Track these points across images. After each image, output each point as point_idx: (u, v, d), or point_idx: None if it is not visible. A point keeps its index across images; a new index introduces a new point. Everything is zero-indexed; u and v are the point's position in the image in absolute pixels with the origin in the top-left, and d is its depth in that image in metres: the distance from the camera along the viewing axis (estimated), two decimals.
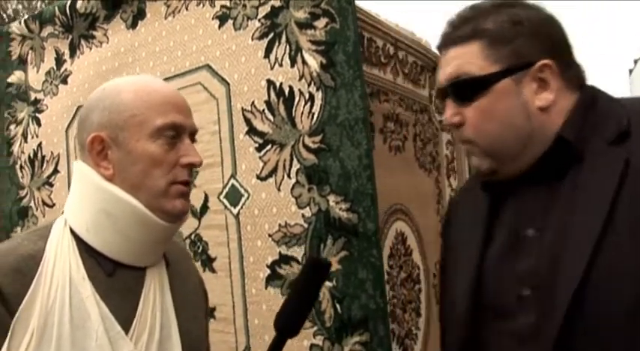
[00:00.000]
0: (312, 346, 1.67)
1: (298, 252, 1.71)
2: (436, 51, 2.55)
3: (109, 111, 1.15)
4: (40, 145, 2.38)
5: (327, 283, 1.65)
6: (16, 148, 2.46)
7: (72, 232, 1.16)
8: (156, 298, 1.19)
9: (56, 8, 2.33)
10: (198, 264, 1.88)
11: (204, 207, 1.90)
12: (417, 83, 2.37)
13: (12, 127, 2.49)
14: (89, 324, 1.09)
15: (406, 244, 2.17)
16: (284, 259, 1.73)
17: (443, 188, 2.52)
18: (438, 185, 2.49)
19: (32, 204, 2.38)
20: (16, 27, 2.50)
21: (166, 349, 1.18)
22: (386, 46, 2.11)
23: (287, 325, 1.16)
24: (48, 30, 2.38)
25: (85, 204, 1.17)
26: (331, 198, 1.65)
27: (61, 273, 1.10)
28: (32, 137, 2.41)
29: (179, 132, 1.17)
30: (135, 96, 1.16)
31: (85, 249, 1.15)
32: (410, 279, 2.15)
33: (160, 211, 1.16)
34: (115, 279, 1.15)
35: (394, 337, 1.99)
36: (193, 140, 1.22)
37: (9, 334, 1.04)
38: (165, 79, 1.98)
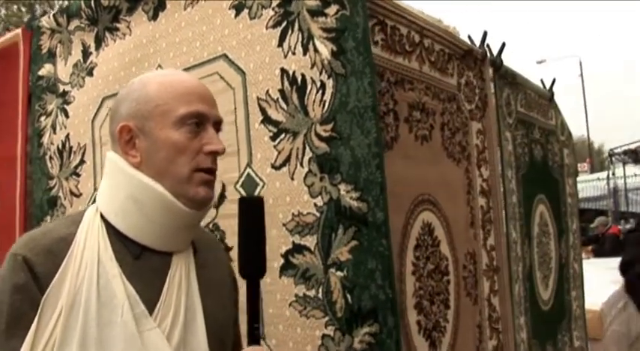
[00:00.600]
0: (323, 336, 1.66)
1: (311, 241, 1.70)
2: (465, 39, 2.52)
3: (136, 102, 1.23)
4: (67, 136, 2.43)
5: (338, 273, 1.64)
6: (45, 140, 2.53)
7: (102, 217, 1.23)
8: (181, 282, 1.25)
9: (82, 2, 2.37)
10: None
11: (222, 196, 1.90)
12: (445, 72, 2.33)
13: (42, 119, 2.55)
14: (115, 302, 1.15)
15: (433, 235, 2.14)
16: (297, 249, 1.73)
17: (473, 178, 2.47)
18: (467, 175, 2.44)
19: (61, 194, 2.44)
20: (45, 21, 2.56)
21: (190, 331, 1.23)
22: (411, 34, 2.08)
23: (250, 268, 1.21)
24: (75, 23, 2.43)
25: (114, 190, 1.25)
26: (342, 187, 1.64)
27: (90, 254, 1.17)
28: (60, 128, 2.47)
29: (202, 121, 1.23)
30: (160, 87, 1.23)
31: (113, 233, 1.22)
32: (438, 270, 2.12)
33: (184, 198, 1.21)
34: (141, 262, 1.22)
35: (420, 329, 1.97)
36: (218, 129, 1.28)
37: (39, 309, 1.12)
38: (185, 70, 2.00)
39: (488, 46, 2.71)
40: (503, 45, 2.86)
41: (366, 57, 1.60)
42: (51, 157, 2.51)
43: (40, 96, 2.56)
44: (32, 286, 1.13)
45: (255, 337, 1.20)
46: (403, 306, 1.89)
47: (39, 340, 1.11)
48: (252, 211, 1.22)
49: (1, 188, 2.76)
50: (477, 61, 2.57)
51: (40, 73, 2.57)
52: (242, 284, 1.27)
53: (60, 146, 2.46)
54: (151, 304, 1.18)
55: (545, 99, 3.52)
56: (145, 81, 1.26)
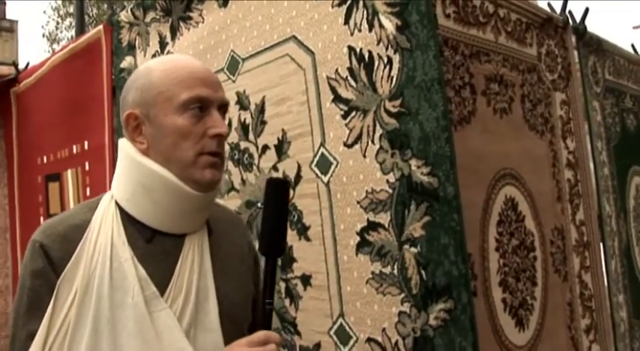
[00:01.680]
0: (400, 313, 1.66)
1: (385, 218, 1.69)
2: (543, 6, 2.43)
3: (141, 90, 1.27)
4: None
5: (412, 249, 1.63)
6: None
7: (116, 203, 1.28)
8: (194, 262, 1.28)
9: None
10: (294, 233, 1.92)
11: (298, 176, 1.92)
12: (523, 42, 2.25)
13: None
14: (127, 284, 1.20)
15: (517, 209, 2.08)
16: (372, 226, 1.72)
17: (558, 151, 2.38)
18: (552, 148, 2.35)
19: None
20: (123, 15, 2.65)
21: (203, 310, 1.26)
22: (484, 4, 2.02)
23: (270, 247, 1.24)
24: (150, 15, 2.50)
25: (125, 177, 1.30)
26: (413, 162, 1.62)
27: (104, 239, 1.23)
28: None
29: (206, 105, 1.26)
30: (162, 74, 1.26)
31: (127, 218, 1.27)
32: (523, 246, 2.07)
33: (191, 181, 1.25)
34: (153, 245, 1.26)
35: (506, 307, 1.93)
36: (224, 112, 1.30)
37: (55, 292, 1.18)
38: (256, 53, 2.04)
39: (570, 12, 2.60)
40: (587, 11, 2.73)
41: (430, 29, 1.57)
42: None
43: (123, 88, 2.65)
44: (49, 271, 1.19)
45: (266, 312, 1.22)
46: (487, 283, 1.86)
47: (55, 321, 1.17)
48: (277, 192, 1.24)
49: (93, 177, 2.90)
50: (557, 29, 2.47)
51: (122, 65, 2.67)
52: None
53: None
54: (162, 285, 1.22)
55: (637, 65, 3.34)
56: (149, 68, 1.29)
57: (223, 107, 1.30)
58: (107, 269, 1.20)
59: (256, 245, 1.35)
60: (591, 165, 2.58)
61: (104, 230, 1.23)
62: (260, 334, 1.19)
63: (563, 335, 2.20)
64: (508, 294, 1.94)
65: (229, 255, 1.38)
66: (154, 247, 1.25)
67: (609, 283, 2.55)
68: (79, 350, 1.16)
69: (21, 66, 3.66)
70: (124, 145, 1.30)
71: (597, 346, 2.36)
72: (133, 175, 1.27)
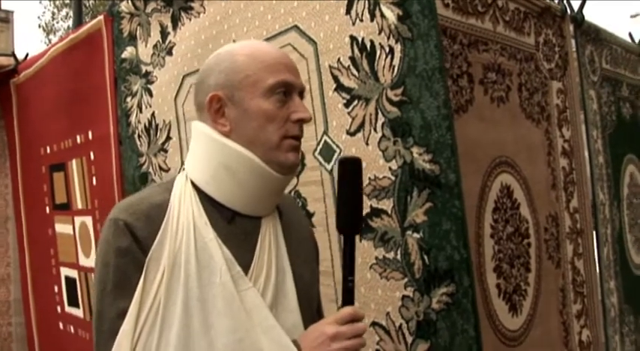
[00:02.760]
0: (403, 297, 1.70)
1: (388, 204, 1.73)
2: None
3: (225, 73, 1.28)
4: (153, 114, 2.55)
5: (415, 235, 1.66)
6: (133, 119, 2.65)
7: (193, 185, 1.29)
8: (271, 244, 1.31)
9: None
10: None
11: (302, 164, 1.95)
12: (521, 31, 2.28)
13: (128, 99, 2.68)
14: (213, 264, 1.22)
15: (512, 197, 2.11)
16: (375, 212, 1.76)
17: (554, 139, 2.42)
18: (548, 136, 2.39)
19: (150, 170, 2.56)
20: (124, 6, 2.67)
21: (282, 291, 1.29)
22: None
23: (348, 224, 1.25)
24: (151, 6, 2.53)
25: (205, 159, 1.30)
26: (415, 150, 1.65)
27: (185, 219, 1.24)
28: (146, 107, 2.59)
29: (289, 90, 1.28)
30: (248, 58, 1.27)
31: (206, 199, 1.28)
32: (518, 233, 2.10)
33: (275, 164, 1.27)
34: (233, 226, 1.28)
35: (500, 292, 1.97)
36: (302, 98, 1.32)
37: (144, 270, 1.19)
38: None
39: (568, 1, 2.63)
40: (584, 0, 2.76)
41: (431, 19, 1.60)
42: (139, 136, 2.63)
43: (125, 78, 2.69)
44: (135, 249, 1.19)
45: (349, 290, 1.23)
46: (482, 269, 1.89)
47: (145, 299, 1.17)
48: (352, 170, 1.25)
49: (99, 166, 2.93)
50: (555, 18, 2.50)
51: (123, 55, 2.70)
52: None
53: (147, 124, 2.58)
54: (244, 266, 1.24)
55: (635, 54, 3.37)
56: (233, 52, 1.29)
57: (302, 93, 1.32)
58: (192, 249, 1.21)
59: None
60: (586, 153, 2.61)
61: (184, 210, 1.24)
62: (347, 311, 1.20)
63: (555, 320, 2.25)
64: (502, 280, 1.98)
65: (298, 237, 1.40)
66: (234, 229, 1.27)
67: (601, 270, 2.60)
68: (172, 328, 1.17)
69: (19, 56, 3.66)
70: (202, 127, 1.30)
71: (587, 331, 2.41)
72: (215, 156, 1.27)
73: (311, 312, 1.37)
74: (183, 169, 1.33)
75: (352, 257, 1.24)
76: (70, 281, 3.23)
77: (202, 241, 1.22)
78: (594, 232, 2.58)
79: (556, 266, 2.29)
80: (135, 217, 1.21)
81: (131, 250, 1.19)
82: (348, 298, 1.23)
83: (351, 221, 1.26)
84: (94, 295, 1.23)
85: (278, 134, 1.25)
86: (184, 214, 1.24)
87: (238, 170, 1.25)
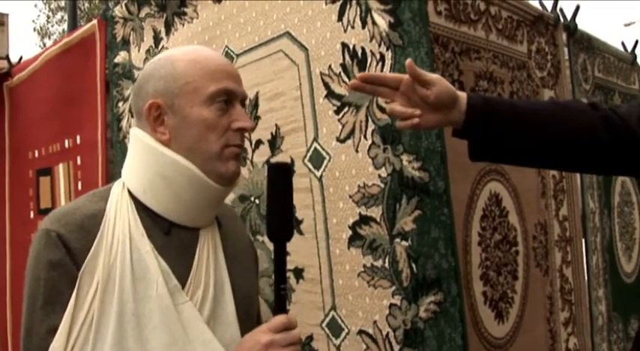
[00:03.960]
0: (391, 305, 1.69)
1: (376, 212, 1.72)
2: (535, 4, 2.46)
3: (164, 80, 1.23)
4: None
5: (403, 243, 1.66)
6: (124, 124, 2.64)
7: (130, 193, 1.24)
8: (209, 256, 1.27)
9: None
10: None
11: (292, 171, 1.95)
12: (514, 39, 2.28)
13: (120, 104, 2.67)
14: (149, 276, 1.18)
15: (501, 205, 2.12)
16: (364, 220, 1.75)
17: None
18: None
19: None
20: (118, 11, 2.67)
21: (220, 304, 1.25)
22: (475, 2, 2.05)
23: (278, 231, 1.22)
24: (145, 11, 2.52)
25: (142, 167, 1.26)
26: (404, 157, 1.65)
27: (121, 230, 1.19)
28: None
29: (231, 98, 1.24)
30: (188, 65, 1.23)
31: (142, 209, 1.23)
32: (505, 241, 2.11)
33: (215, 174, 1.23)
34: (171, 238, 1.24)
35: (486, 300, 1.97)
36: (244, 106, 1.29)
37: (77, 285, 1.14)
38: (250, 49, 2.06)
39: (561, 10, 2.64)
40: (577, 8, 2.77)
41: (422, 27, 1.60)
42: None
43: (117, 82, 2.68)
44: (68, 262, 1.15)
45: (281, 298, 1.20)
46: (469, 277, 1.90)
47: (78, 314, 1.13)
48: (280, 176, 1.22)
49: (85, 171, 2.91)
50: (548, 26, 2.51)
51: (116, 60, 2.69)
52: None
53: None
54: (181, 279, 1.21)
55: (627, 63, 3.38)
56: (173, 58, 1.26)
57: (243, 101, 1.30)
58: (128, 261, 1.17)
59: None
60: None
61: (120, 221, 1.20)
62: (280, 319, 1.17)
63: (542, 328, 2.25)
64: (489, 287, 1.98)
65: (236, 248, 1.38)
66: (171, 240, 1.24)
67: (589, 278, 2.60)
68: (105, 344, 1.13)
69: (13, 60, 3.65)
70: (140, 135, 1.26)
71: (575, 339, 2.42)
72: (153, 166, 1.24)
73: (251, 323, 1.34)
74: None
75: (283, 264, 1.22)
76: None
77: (138, 253, 1.18)
78: (583, 240, 2.58)
79: (544, 274, 2.29)
80: (68, 229, 1.17)
81: (63, 263, 1.15)
82: (280, 305, 1.21)
83: (282, 228, 1.23)
84: (23, 311, 1.18)
85: (219, 144, 1.22)
86: (120, 225, 1.20)
87: (176, 180, 1.22)
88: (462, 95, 1.37)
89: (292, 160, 1.95)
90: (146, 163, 1.25)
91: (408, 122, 1.35)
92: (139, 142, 1.26)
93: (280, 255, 1.22)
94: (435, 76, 1.35)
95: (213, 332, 1.21)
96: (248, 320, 1.33)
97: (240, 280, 1.33)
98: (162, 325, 1.16)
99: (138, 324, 1.15)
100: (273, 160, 2.00)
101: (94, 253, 1.16)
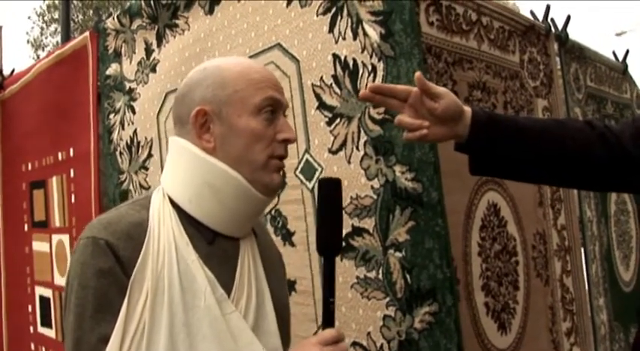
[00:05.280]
0: (385, 316, 1.68)
1: (369, 223, 1.71)
2: (526, 14, 2.46)
3: (212, 87, 1.23)
4: (135, 131, 2.53)
5: (397, 254, 1.65)
6: (115, 136, 2.64)
7: (172, 203, 1.24)
8: (250, 266, 1.28)
9: (142, 1, 2.46)
10: (278, 238, 1.93)
11: (283, 183, 1.94)
12: (506, 49, 2.29)
13: (111, 116, 2.67)
14: (196, 286, 1.17)
15: (499, 215, 2.11)
16: (357, 231, 1.74)
17: None
18: None
19: (131, 187, 2.54)
20: (110, 23, 2.67)
21: (262, 314, 1.26)
22: (467, 12, 2.05)
23: (327, 245, 1.24)
24: (137, 23, 2.52)
25: (187, 176, 1.25)
26: (397, 168, 1.64)
27: (166, 240, 1.19)
28: (128, 124, 2.57)
29: (276, 108, 1.25)
30: (237, 74, 1.23)
31: (185, 218, 1.23)
32: (505, 251, 2.10)
33: (259, 184, 1.23)
34: (214, 247, 1.23)
35: (488, 311, 1.96)
36: (285, 116, 1.29)
37: (127, 293, 1.13)
38: None
39: (552, 20, 2.64)
40: (569, 18, 2.78)
41: (414, 38, 1.60)
42: (121, 153, 2.62)
43: (109, 94, 2.68)
44: (118, 271, 1.13)
45: (329, 311, 1.21)
46: (470, 288, 1.89)
47: (129, 324, 1.11)
48: (330, 191, 1.23)
49: (78, 184, 2.90)
50: (540, 36, 2.51)
51: (108, 72, 2.69)
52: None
53: (128, 141, 2.57)
54: (226, 288, 1.20)
55: (619, 72, 3.39)
56: (221, 67, 1.25)
57: (284, 111, 1.29)
58: (175, 271, 1.17)
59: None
60: None
61: (164, 230, 1.19)
62: (330, 332, 1.18)
63: (545, 338, 2.23)
64: (490, 298, 1.97)
65: (270, 258, 1.38)
66: (215, 250, 1.23)
67: (590, 287, 2.59)
68: None
69: (6, 72, 3.65)
70: (183, 143, 1.25)
71: (578, 349, 2.40)
72: (199, 174, 1.23)
73: (287, 333, 1.35)
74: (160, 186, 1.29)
75: (332, 278, 1.22)
76: (44, 301, 3.18)
77: (184, 262, 1.18)
78: (582, 249, 2.57)
79: (544, 284, 2.28)
80: (116, 237, 1.15)
81: (113, 271, 1.13)
82: (329, 319, 1.21)
83: (332, 242, 1.24)
84: (70, 320, 1.15)
85: (265, 154, 1.22)
86: (165, 234, 1.19)
87: (223, 190, 1.21)
88: (468, 110, 1.38)
89: (284, 172, 1.93)
90: (192, 172, 1.24)
91: (416, 134, 1.36)
92: (184, 150, 1.25)
93: (330, 269, 1.22)
94: (443, 90, 1.36)
95: None
96: (284, 330, 1.32)
97: (276, 289, 1.33)
98: (211, 336, 1.15)
99: (188, 334, 1.14)
100: None
101: (142, 261, 1.15)
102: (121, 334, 1.11)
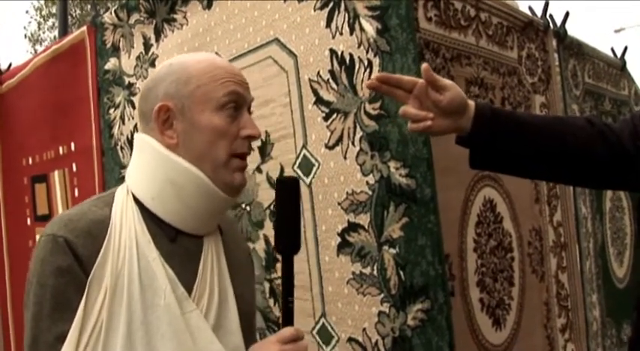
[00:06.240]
0: (379, 313, 1.68)
1: (365, 219, 1.72)
2: (525, 10, 2.46)
3: (176, 83, 1.22)
4: (135, 126, 2.53)
5: (391, 250, 1.65)
6: (116, 131, 2.64)
7: (135, 199, 1.23)
8: (213, 264, 1.27)
9: None
10: None
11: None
12: (504, 45, 2.28)
13: (111, 111, 2.67)
14: (156, 284, 1.17)
15: (495, 211, 2.11)
16: (352, 227, 1.75)
17: None
18: None
19: None
20: (107, 17, 2.66)
21: (224, 313, 1.25)
22: (465, 8, 2.05)
23: (287, 245, 1.24)
24: (135, 17, 2.52)
25: (150, 173, 1.24)
26: (391, 164, 1.65)
27: (127, 237, 1.18)
28: (129, 119, 2.57)
29: (240, 104, 1.25)
30: (201, 70, 1.23)
31: (148, 216, 1.22)
32: (501, 247, 2.10)
33: (221, 183, 1.22)
34: (176, 245, 1.23)
35: (483, 307, 1.96)
36: (250, 113, 1.29)
37: (85, 292, 1.12)
38: (240, 55, 2.06)
39: (551, 16, 2.64)
40: (567, 15, 2.77)
41: (410, 33, 1.60)
42: (122, 147, 2.62)
43: (108, 89, 2.68)
44: (76, 269, 1.13)
45: (289, 310, 1.21)
46: (465, 283, 1.89)
47: (86, 322, 1.11)
48: (288, 190, 1.23)
49: (81, 178, 2.91)
50: (538, 32, 2.51)
51: (106, 67, 2.69)
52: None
53: (129, 136, 2.57)
54: (187, 286, 1.19)
55: (617, 68, 3.39)
56: (185, 63, 1.25)
57: (249, 107, 1.29)
58: (135, 268, 1.15)
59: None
60: None
61: (126, 227, 1.18)
62: (289, 330, 1.18)
63: (540, 334, 2.24)
64: (485, 294, 1.97)
65: (237, 256, 1.37)
66: (177, 248, 1.22)
67: (583, 283, 2.59)
68: None
69: (3, 66, 3.64)
70: (147, 139, 1.24)
71: (572, 345, 2.40)
72: (162, 172, 1.22)
73: (250, 332, 1.34)
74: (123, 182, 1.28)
75: (291, 278, 1.23)
76: None
77: (145, 260, 1.17)
78: (577, 246, 2.57)
79: (540, 280, 2.29)
80: (75, 234, 1.14)
81: (72, 269, 1.12)
82: (288, 318, 1.21)
83: (290, 242, 1.24)
84: (28, 318, 1.16)
85: (227, 151, 1.22)
86: (126, 232, 1.18)
87: (184, 187, 1.20)
88: (472, 103, 1.39)
89: (282, 167, 1.94)
90: (155, 170, 1.23)
91: (420, 125, 1.37)
92: (148, 147, 1.24)
93: (288, 268, 1.23)
94: (449, 82, 1.37)
95: (218, 340, 1.20)
96: (248, 329, 1.32)
97: (242, 289, 1.32)
98: (170, 334, 1.15)
99: (146, 332, 1.14)
100: (264, 167, 2.00)
101: (102, 259, 1.14)
102: (78, 332, 1.10)
